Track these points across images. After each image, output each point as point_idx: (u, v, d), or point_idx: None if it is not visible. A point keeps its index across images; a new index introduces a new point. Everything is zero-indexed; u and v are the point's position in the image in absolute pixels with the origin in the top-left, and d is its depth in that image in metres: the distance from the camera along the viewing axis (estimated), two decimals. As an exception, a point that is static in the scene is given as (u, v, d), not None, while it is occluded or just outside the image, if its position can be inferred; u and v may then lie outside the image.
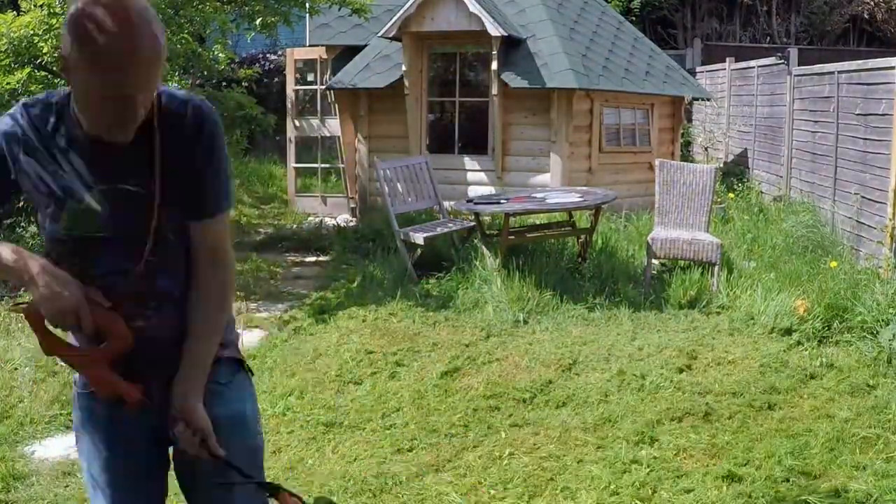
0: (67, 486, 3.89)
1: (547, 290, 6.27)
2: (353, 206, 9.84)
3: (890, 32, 16.23)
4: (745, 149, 11.26)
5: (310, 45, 10.07)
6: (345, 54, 9.51)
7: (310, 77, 10.56)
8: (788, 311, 5.67)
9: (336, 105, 9.63)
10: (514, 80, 8.31)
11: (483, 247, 6.72)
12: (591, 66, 8.55)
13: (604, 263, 6.83)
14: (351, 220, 9.63)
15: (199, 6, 7.20)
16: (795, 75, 9.08)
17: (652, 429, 4.21)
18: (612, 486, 3.67)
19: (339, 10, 8.33)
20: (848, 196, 7.32)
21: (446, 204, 7.81)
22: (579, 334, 5.68)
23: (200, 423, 1.85)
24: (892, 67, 6.54)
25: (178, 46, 7.88)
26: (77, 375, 1.98)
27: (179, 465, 2.02)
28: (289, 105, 10.51)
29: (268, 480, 2.02)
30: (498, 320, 5.97)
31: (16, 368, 5.09)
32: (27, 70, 7.00)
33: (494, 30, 7.96)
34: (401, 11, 8.26)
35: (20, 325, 5.92)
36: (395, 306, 6.30)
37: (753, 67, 10.96)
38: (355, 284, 6.97)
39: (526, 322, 5.96)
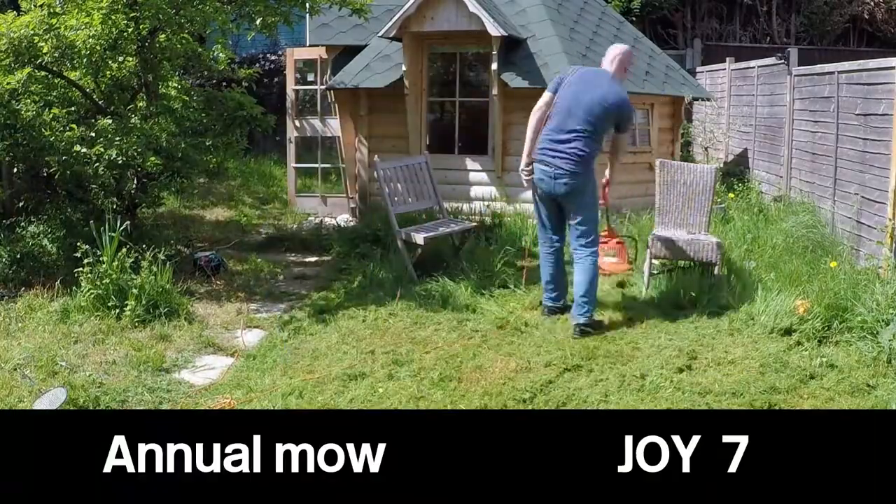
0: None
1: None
2: (353, 206, 9.84)
3: (890, 32, 16.22)
4: (745, 149, 11.26)
5: (310, 45, 10.07)
6: (345, 54, 9.50)
7: (310, 77, 10.56)
8: (788, 311, 5.66)
9: (336, 105, 9.63)
10: (514, 80, 8.31)
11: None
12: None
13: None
14: (351, 220, 9.63)
15: (199, 6, 7.20)
16: (795, 75, 9.08)
17: (652, 429, 4.21)
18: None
19: (339, 10, 8.32)
20: (848, 196, 7.32)
21: (446, 204, 7.81)
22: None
23: None
24: (892, 67, 6.53)
25: (178, 46, 7.90)
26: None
27: None
28: (289, 105, 10.51)
29: None
30: (498, 320, 5.97)
31: (16, 368, 5.09)
32: (27, 70, 7.01)
33: (494, 30, 7.96)
34: (401, 11, 8.25)
35: (20, 324, 5.93)
36: (395, 306, 6.30)
37: (753, 67, 10.96)
38: (355, 284, 6.97)
39: (526, 323, 5.97)
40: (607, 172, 6.40)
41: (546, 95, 5.89)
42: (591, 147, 5.74)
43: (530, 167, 5.90)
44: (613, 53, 5.92)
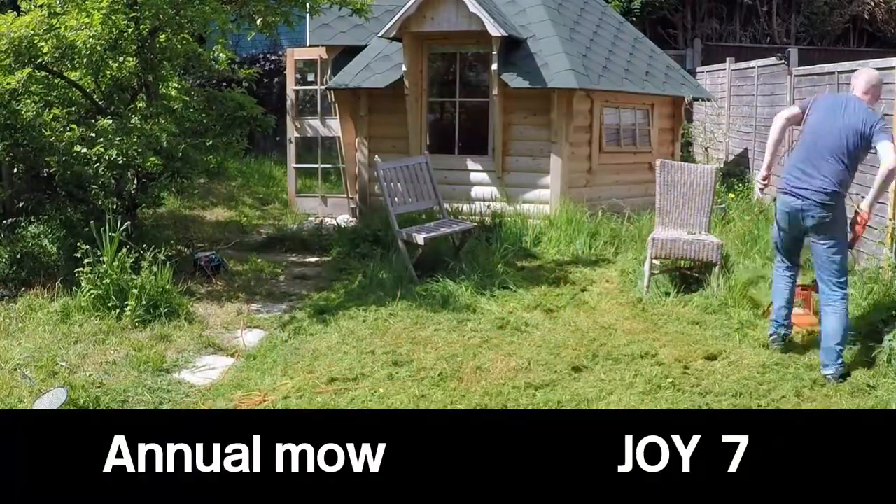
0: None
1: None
2: (353, 206, 9.84)
3: (890, 33, 16.22)
4: (745, 149, 11.26)
5: (310, 45, 10.07)
6: (345, 54, 9.50)
7: (310, 77, 10.56)
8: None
9: (336, 105, 9.63)
10: (515, 81, 8.31)
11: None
12: (592, 67, 8.55)
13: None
14: (351, 221, 9.63)
15: (199, 6, 7.19)
16: (795, 75, 9.08)
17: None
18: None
19: (340, 10, 8.33)
20: (848, 196, 7.30)
21: (446, 204, 7.81)
22: (580, 334, 5.68)
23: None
24: (893, 68, 6.54)
25: (179, 47, 7.90)
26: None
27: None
28: (289, 105, 10.51)
29: None
30: (498, 320, 5.97)
31: (16, 368, 5.09)
32: (27, 70, 7.01)
33: (494, 30, 7.96)
34: (401, 11, 8.26)
35: (20, 325, 5.93)
36: (396, 306, 6.30)
37: (753, 68, 10.95)
38: (356, 285, 6.97)
39: (526, 323, 5.97)
40: (864, 205, 5.30)
41: (794, 109, 5.46)
42: (845, 178, 5.23)
43: (767, 181, 5.45)
44: (866, 80, 5.30)
